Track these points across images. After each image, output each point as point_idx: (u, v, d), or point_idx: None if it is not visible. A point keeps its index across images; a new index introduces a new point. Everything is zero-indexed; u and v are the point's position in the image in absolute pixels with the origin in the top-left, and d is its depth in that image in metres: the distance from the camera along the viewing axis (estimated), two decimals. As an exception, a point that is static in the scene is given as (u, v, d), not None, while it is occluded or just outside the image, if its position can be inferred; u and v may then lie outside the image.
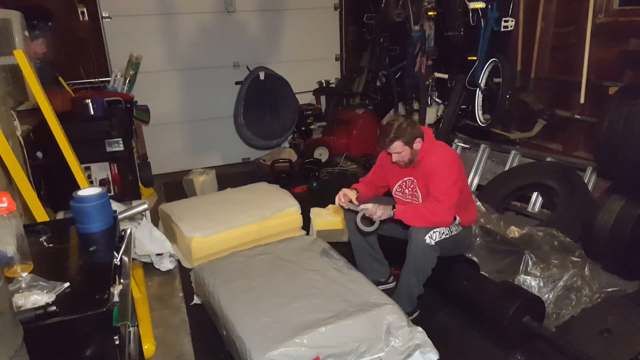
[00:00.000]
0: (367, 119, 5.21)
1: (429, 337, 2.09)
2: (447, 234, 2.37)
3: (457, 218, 2.45)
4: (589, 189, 3.13)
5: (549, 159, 3.41)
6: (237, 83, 4.74)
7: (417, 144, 2.39)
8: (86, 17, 4.52)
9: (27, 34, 3.16)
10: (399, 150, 2.37)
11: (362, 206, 2.33)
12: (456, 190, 2.34)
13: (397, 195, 2.61)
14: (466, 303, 2.47)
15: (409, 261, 2.37)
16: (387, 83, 4.82)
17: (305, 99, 5.50)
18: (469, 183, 3.90)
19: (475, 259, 2.85)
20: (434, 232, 2.30)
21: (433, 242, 2.29)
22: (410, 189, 2.54)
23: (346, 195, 2.45)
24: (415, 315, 2.53)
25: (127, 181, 3.49)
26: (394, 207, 2.31)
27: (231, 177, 4.76)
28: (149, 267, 3.11)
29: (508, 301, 2.21)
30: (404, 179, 2.55)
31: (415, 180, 2.50)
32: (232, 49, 5.16)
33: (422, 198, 2.49)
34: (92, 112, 3.36)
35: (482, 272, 2.68)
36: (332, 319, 2.02)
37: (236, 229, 3.18)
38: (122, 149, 3.38)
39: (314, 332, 1.94)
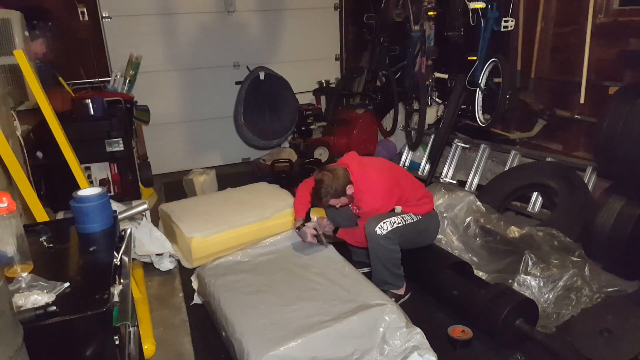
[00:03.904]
0: (367, 119, 5.20)
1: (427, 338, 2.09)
2: (399, 223, 2.51)
3: (399, 208, 2.62)
4: (589, 189, 3.13)
5: (549, 159, 3.41)
6: (237, 83, 4.74)
7: (350, 190, 2.54)
8: (86, 17, 4.52)
9: (27, 34, 3.16)
10: (336, 203, 2.58)
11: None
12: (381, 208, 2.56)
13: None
14: (460, 309, 2.47)
15: (371, 253, 2.56)
16: (387, 83, 4.81)
17: (305, 99, 5.50)
18: (469, 183, 3.90)
19: (475, 259, 2.86)
20: (384, 222, 2.47)
21: (384, 232, 2.46)
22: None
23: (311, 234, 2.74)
24: (406, 297, 2.64)
25: (127, 181, 3.49)
26: (335, 230, 2.76)
27: (231, 177, 4.76)
28: (149, 267, 3.11)
29: (499, 306, 2.21)
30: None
31: (354, 207, 2.71)
32: (232, 49, 5.16)
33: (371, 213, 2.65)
34: (92, 112, 3.36)
35: (477, 273, 2.68)
36: (330, 322, 2.02)
37: (236, 229, 3.18)
38: (122, 149, 3.38)
39: (311, 336, 1.94)
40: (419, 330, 2.08)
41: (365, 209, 2.57)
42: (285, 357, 1.87)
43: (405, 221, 2.55)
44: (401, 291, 2.62)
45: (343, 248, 2.88)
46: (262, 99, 4.60)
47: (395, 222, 2.50)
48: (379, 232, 2.46)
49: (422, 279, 2.72)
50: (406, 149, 4.67)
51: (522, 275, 2.51)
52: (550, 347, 2.12)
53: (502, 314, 2.17)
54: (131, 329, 1.45)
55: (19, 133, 2.66)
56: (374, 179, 2.57)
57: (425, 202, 2.71)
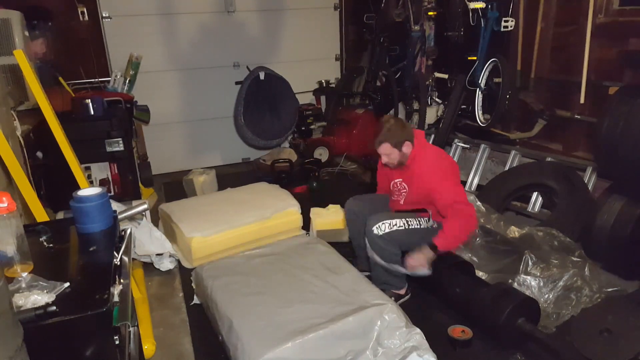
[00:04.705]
0: (367, 119, 5.20)
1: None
2: (400, 226, 2.45)
3: (429, 212, 2.55)
4: (589, 189, 3.13)
5: (549, 159, 3.41)
6: (237, 83, 4.74)
7: (407, 147, 2.44)
8: (86, 17, 4.52)
9: (27, 34, 3.16)
10: (387, 152, 2.44)
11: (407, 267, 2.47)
12: (459, 191, 2.42)
13: (394, 192, 2.70)
14: (461, 308, 2.47)
15: (368, 248, 2.51)
16: (387, 83, 4.81)
17: (305, 99, 5.50)
18: (469, 183, 3.91)
19: (475, 259, 2.85)
20: (382, 223, 2.42)
21: (380, 233, 2.42)
22: (398, 190, 2.65)
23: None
24: (406, 297, 2.63)
25: (127, 181, 3.49)
26: (432, 246, 2.35)
27: (231, 177, 4.76)
28: (149, 267, 3.11)
29: (501, 305, 2.20)
30: (395, 181, 2.65)
31: (404, 183, 2.60)
32: (232, 49, 5.16)
33: (411, 200, 2.58)
34: (92, 112, 3.36)
35: (477, 273, 2.68)
36: (326, 323, 2.01)
37: (236, 229, 3.18)
38: (122, 149, 3.38)
39: (306, 338, 1.93)
40: (418, 330, 2.08)
41: (424, 177, 2.42)
42: (279, 359, 1.87)
43: (408, 225, 2.48)
44: (402, 291, 2.62)
45: (343, 249, 2.88)
46: (262, 99, 4.60)
47: (395, 224, 2.45)
48: (375, 231, 2.43)
49: (424, 278, 2.69)
50: (406, 149, 4.67)
51: (522, 275, 2.51)
52: (552, 347, 2.12)
53: (504, 313, 2.17)
54: (131, 329, 1.45)
55: (19, 133, 2.66)
56: (435, 155, 2.49)
57: None
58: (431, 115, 4.31)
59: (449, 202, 2.36)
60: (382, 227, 2.44)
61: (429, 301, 2.63)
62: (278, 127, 4.72)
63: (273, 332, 1.99)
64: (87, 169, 3.36)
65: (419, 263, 2.36)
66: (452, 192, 2.39)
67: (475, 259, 2.85)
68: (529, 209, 3.37)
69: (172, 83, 5.06)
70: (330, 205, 3.48)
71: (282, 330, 2.00)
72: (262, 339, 1.95)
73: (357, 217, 2.70)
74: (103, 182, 3.43)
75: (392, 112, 4.71)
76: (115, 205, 2.46)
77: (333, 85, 5.65)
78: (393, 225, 2.45)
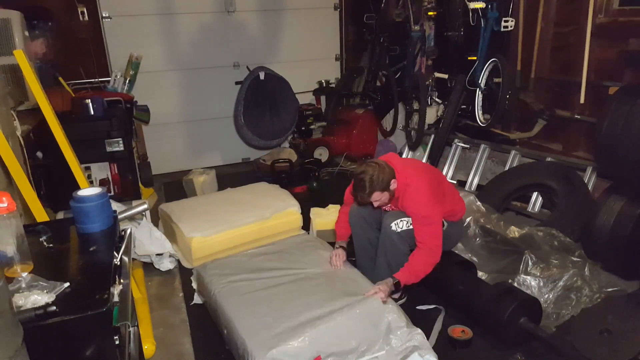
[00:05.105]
0: (367, 119, 5.21)
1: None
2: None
3: (445, 223, 2.54)
4: (589, 189, 3.13)
5: (549, 159, 3.41)
6: (237, 83, 4.74)
7: (394, 184, 2.41)
8: (86, 17, 4.52)
9: (27, 34, 3.16)
10: (378, 198, 2.39)
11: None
12: (436, 224, 2.39)
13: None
14: (463, 306, 2.46)
15: (379, 247, 2.53)
16: (387, 83, 4.82)
17: (305, 99, 5.50)
18: (469, 183, 3.91)
19: (475, 259, 2.85)
20: (401, 220, 2.42)
21: (398, 230, 2.42)
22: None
23: (339, 256, 2.52)
24: (401, 301, 2.61)
25: (127, 181, 3.49)
26: (395, 282, 2.32)
27: (231, 177, 4.76)
28: (149, 267, 3.11)
29: (504, 303, 2.20)
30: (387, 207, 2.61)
31: (396, 209, 2.57)
32: (232, 49, 5.16)
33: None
34: (92, 112, 3.36)
35: (480, 273, 2.68)
36: (333, 316, 2.02)
37: (236, 229, 3.18)
38: (122, 149, 3.38)
39: (315, 330, 1.94)
40: (419, 330, 2.09)
41: (411, 209, 2.41)
42: (289, 353, 1.87)
43: None
44: (396, 295, 2.58)
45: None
46: (262, 99, 4.60)
47: (411, 223, 2.42)
48: (393, 228, 2.42)
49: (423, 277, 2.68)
50: (406, 149, 4.67)
51: (522, 275, 2.51)
52: (555, 345, 2.12)
53: (506, 312, 2.17)
54: (131, 329, 1.45)
55: (19, 133, 2.66)
56: (415, 182, 2.42)
57: (458, 209, 2.65)
58: (431, 115, 4.31)
59: (423, 240, 2.37)
60: (400, 225, 2.43)
61: (429, 301, 2.63)
62: (278, 127, 4.72)
63: (280, 326, 2.00)
64: (87, 169, 3.36)
65: (379, 296, 2.25)
66: (425, 228, 2.37)
67: (475, 259, 2.86)
68: (529, 209, 3.37)
69: (172, 83, 5.06)
70: (330, 205, 3.48)
71: (289, 324, 2.00)
72: (269, 334, 1.96)
73: (364, 221, 2.65)
74: (103, 182, 3.43)
75: (392, 112, 4.72)
76: (115, 205, 2.46)
77: (333, 85, 5.65)
78: (410, 224, 2.43)
